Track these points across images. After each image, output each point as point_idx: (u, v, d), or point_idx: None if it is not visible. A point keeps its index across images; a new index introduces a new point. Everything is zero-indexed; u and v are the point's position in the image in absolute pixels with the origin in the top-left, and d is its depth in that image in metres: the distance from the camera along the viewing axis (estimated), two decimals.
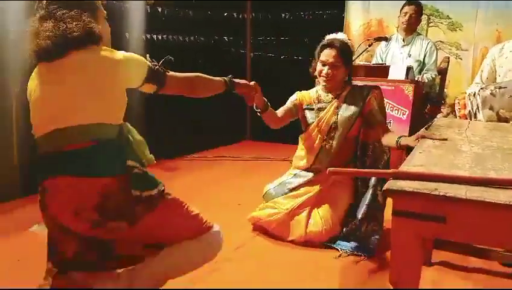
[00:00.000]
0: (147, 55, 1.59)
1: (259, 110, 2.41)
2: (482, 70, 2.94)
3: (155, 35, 4.33)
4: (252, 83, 2.15)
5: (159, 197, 1.45)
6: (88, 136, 1.37)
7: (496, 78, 2.82)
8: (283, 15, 5.53)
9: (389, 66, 3.49)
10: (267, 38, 5.61)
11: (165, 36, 4.44)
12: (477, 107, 2.37)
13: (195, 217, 1.56)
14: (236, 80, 1.93)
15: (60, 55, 1.40)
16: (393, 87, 3.27)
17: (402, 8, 3.78)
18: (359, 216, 2.36)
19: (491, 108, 2.34)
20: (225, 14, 5.33)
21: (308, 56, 3.90)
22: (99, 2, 1.54)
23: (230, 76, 1.90)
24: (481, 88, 2.49)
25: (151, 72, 1.53)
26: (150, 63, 1.54)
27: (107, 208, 1.35)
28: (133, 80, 1.51)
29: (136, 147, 1.48)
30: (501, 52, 2.88)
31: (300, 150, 2.66)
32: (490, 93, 2.36)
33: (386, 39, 3.88)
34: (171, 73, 1.62)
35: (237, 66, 5.42)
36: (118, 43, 3.58)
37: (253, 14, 5.59)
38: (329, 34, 2.67)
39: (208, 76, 1.79)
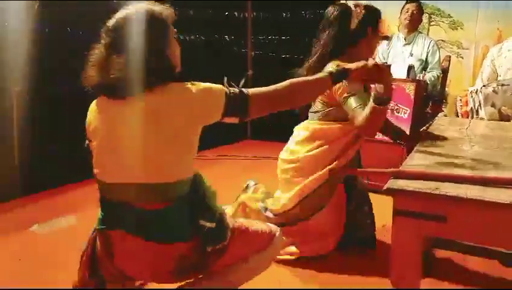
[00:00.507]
0: (225, 78, 1.33)
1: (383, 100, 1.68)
2: (482, 72, 2.95)
3: None
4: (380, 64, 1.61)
5: (229, 241, 1.36)
6: (163, 197, 1.25)
7: (496, 78, 2.82)
8: (284, 14, 5.52)
9: (390, 65, 3.47)
10: (268, 38, 5.60)
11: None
12: (479, 104, 2.37)
13: (262, 234, 1.47)
14: (349, 65, 1.49)
15: (132, 94, 1.22)
16: (394, 86, 3.25)
17: (403, 6, 3.78)
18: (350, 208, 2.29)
19: (493, 105, 2.33)
20: (226, 13, 5.33)
21: (309, 55, 3.86)
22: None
23: (338, 68, 1.50)
24: (483, 85, 2.48)
25: (229, 103, 1.28)
26: (227, 91, 1.29)
27: (183, 269, 1.31)
28: (210, 116, 1.30)
29: (208, 200, 1.35)
30: (500, 52, 2.88)
31: None
32: (492, 91, 2.36)
33: (387, 38, 3.86)
34: (256, 92, 1.34)
35: (238, 65, 5.42)
36: None
37: (254, 14, 5.59)
38: None
39: (303, 78, 1.52)
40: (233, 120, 1.33)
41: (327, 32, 2.13)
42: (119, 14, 1.27)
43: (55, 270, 2.12)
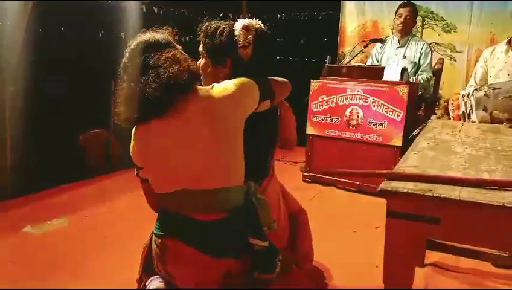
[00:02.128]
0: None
1: None
2: (475, 73, 2.98)
3: None
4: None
5: (277, 277, 1.35)
6: (219, 205, 1.27)
7: (487, 80, 2.86)
8: (279, 16, 5.54)
9: (383, 68, 3.50)
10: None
11: None
12: (471, 108, 2.38)
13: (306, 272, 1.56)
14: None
15: (170, 105, 1.24)
16: (387, 89, 3.28)
17: (397, 9, 3.80)
18: None
19: (484, 109, 2.35)
20: (221, 14, 5.33)
21: (304, 57, 3.93)
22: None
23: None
24: (475, 89, 2.50)
25: (261, 88, 1.34)
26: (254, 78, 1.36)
27: (226, 288, 1.31)
28: (255, 105, 1.34)
29: (260, 213, 1.35)
30: (492, 53, 2.91)
31: None
32: (484, 94, 2.37)
33: (382, 41, 3.89)
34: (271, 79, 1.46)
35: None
36: (114, 43, 3.59)
37: (249, 15, 5.59)
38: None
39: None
40: (267, 104, 1.39)
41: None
42: (129, 47, 1.33)
43: (47, 272, 2.11)
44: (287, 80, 1.56)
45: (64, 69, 3.38)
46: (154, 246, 1.35)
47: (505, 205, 1.03)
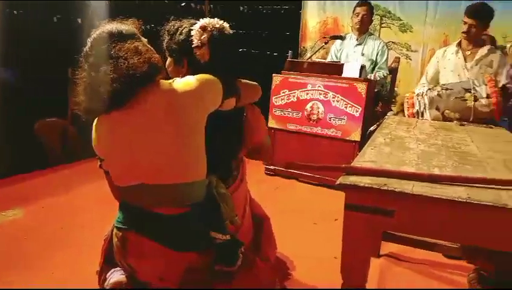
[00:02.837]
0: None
1: None
2: (427, 72, 3.12)
3: None
4: None
5: (238, 269, 1.34)
6: (180, 200, 1.26)
7: (438, 79, 3.00)
8: (241, 8, 5.52)
9: (343, 64, 3.58)
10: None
11: None
12: (425, 107, 2.50)
13: (269, 266, 1.53)
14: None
15: (130, 97, 1.22)
16: (347, 85, 3.36)
17: (354, 8, 3.89)
18: None
19: (437, 108, 2.47)
20: (182, 4, 5.25)
21: (265, 50, 3.91)
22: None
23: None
24: (429, 89, 2.62)
25: (225, 85, 1.33)
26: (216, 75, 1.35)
27: (189, 282, 1.29)
28: (218, 101, 1.32)
29: (223, 207, 1.36)
30: (444, 54, 3.06)
31: None
32: (437, 94, 2.49)
33: (341, 38, 3.98)
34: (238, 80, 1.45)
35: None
36: (71, 29, 3.46)
37: (211, 6, 5.54)
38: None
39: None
40: (231, 103, 1.38)
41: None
42: (92, 36, 1.29)
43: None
44: (256, 84, 1.56)
45: (18, 56, 3.23)
46: (115, 239, 1.33)
47: (454, 199, 1.10)
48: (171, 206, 1.27)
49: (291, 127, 3.58)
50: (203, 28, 1.39)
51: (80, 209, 2.74)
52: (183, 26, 1.43)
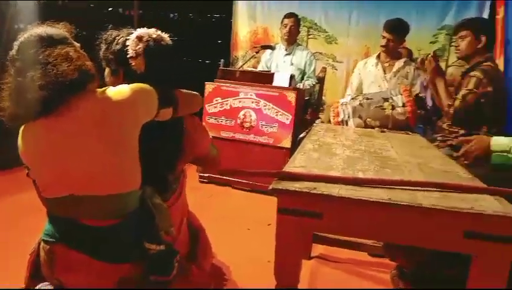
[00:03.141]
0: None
1: None
2: (351, 83, 3.34)
3: None
4: None
5: (174, 279, 1.32)
6: (112, 212, 1.22)
7: (362, 89, 3.21)
8: (172, 15, 5.48)
9: (273, 73, 3.70)
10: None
11: None
12: (348, 116, 2.66)
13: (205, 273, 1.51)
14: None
15: (59, 104, 1.17)
16: (277, 94, 3.47)
17: (282, 20, 4.04)
18: None
19: (359, 117, 2.64)
20: (110, 8, 5.10)
21: (197, 58, 3.90)
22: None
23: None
24: (352, 98, 2.79)
25: (161, 94, 1.30)
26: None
27: None
28: (152, 111, 1.29)
29: (157, 219, 1.31)
30: (365, 66, 3.29)
31: None
32: (359, 104, 2.66)
33: (271, 48, 4.10)
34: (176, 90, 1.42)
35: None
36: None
37: (141, 12, 5.44)
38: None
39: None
40: (168, 113, 1.34)
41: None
42: (19, 40, 1.23)
43: None
44: (197, 94, 1.54)
45: None
46: (42, 252, 1.27)
47: (376, 200, 1.19)
48: (102, 217, 1.23)
49: (225, 134, 3.62)
50: (139, 38, 1.35)
51: (4, 221, 2.56)
52: (120, 35, 1.39)
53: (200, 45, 5.23)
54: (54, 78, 1.16)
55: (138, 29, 1.38)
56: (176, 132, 1.46)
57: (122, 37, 1.39)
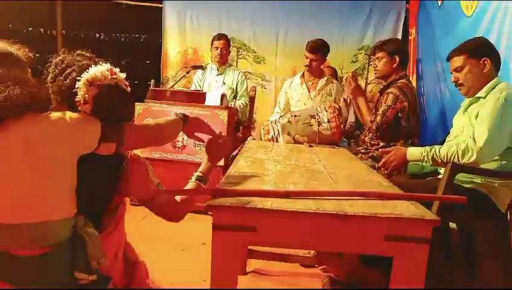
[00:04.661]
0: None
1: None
2: (279, 102, 3.48)
3: None
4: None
5: None
6: (40, 241, 1.14)
7: (290, 107, 3.36)
8: (97, 35, 5.35)
9: (205, 93, 3.73)
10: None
11: None
12: (278, 133, 2.77)
13: None
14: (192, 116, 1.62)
15: None
16: (210, 113, 3.51)
17: (212, 41, 4.10)
18: None
19: (288, 133, 2.75)
20: (30, 28, 4.87)
21: (126, 78, 3.78)
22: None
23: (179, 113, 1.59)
24: (280, 116, 2.91)
25: (105, 128, 1.24)
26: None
27: None
28: (89, 144, 1.23)
29: (89, 248, 1.24)
30: (291, 85, 3.45)
31: None
32: (288, 121, 2.78)
33: (202, 67, 4.15)
34: (129, 123, 1.34)
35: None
36: None
37: (64, 32, 5.25)
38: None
39: (161, 119, 1.53)
40: (110, 148, 1.27)
41: None
42: None
43: None
44: (159, 128, 1.48)
45: None
46: None
47: (306, 211, 1.26)
48: (29, 247, 1.17)
49: (156, 155, 3.57)
50: (91, 83, 1.23)
51: None
52: (71, 69, 1.27)
53: (128, 65, 5.14)
54: (2, 100, 1.13)
55: (92, 68, 1.25)
56: (113, 169, 1.37)
57: (74, 71, 1.27)
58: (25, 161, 1.15)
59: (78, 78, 1.23)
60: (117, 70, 1.31)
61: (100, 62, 1.31)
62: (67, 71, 1.27)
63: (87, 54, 1.35)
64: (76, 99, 1.23)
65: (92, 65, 1.27)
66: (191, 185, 1.65)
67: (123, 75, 1.32)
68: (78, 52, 1.35)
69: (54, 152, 1.18)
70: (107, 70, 1.26)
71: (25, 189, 1.15)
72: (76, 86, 1.23)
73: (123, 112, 1.34)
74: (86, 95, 1.22)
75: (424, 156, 2.07)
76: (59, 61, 1.31)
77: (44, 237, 1.18)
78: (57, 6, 5.08)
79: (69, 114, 1.23)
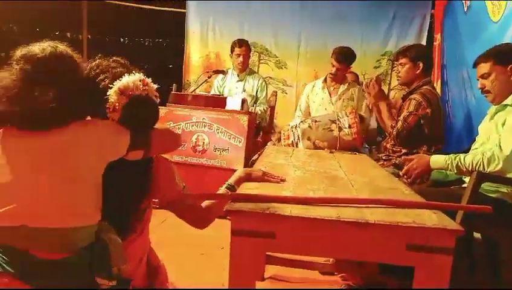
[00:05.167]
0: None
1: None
2: (300, 105, 3.46)
3: None
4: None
5: None
6: (64, 245, 1.16)
7: (310, 112, 3.34)
8: (122, 39, 5.45)
9: (226, 98, 3.75)
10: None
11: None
12: (298, 138, 2.75)
13: None
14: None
15: (44, 129, 1.15)
16: (230, 117, 3.52)
17: (233, 47, 4.09)
18: None
19: (309, 139, 2.73)
20: (57, 33, 4.99)
21: None
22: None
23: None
24: (301, 121, 2.89)
25: (134, 135, 1.25)
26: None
27: None
28: (117, 151, 1.25)
29: (111, 255, 1.25)
30: (313, 89, 3.43)
31: None
32: (308, 126, 2.76)
33: (223, 72, 4.17)
34: (155, 130, 1.35)
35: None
36: None
37: (90, 36, 5.37)
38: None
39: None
40: (138, 154, 1.29)
41: None
42: (38, 47, 1.20)
43: None
44: (176, 133, 1.51)
45: None
46: None
47: (326, 218, 1.24)
48: (54, 250, 1.18)
49: (178, 158, 3.59)
50: (122, 92, 1.24)
51: None
52: (105, 76, 1.28)
53: (151, 70, 5.21)
54: (62, 103, 1.15)
55: (125, 77, 1.26)
56: (142, 172, 1.37)
57: (107, 78, 1.27)
58: (56, 166, 1.16)
59: (111, 85, 1.25)
60: (149, 80, 1.32)
61: (134, 71, 1.31)
62: (101, 77, 1.28)
63: (122, 61, 1.35)
64: (106, 106, 1.24)
65: (126, 74, 1.28)
66: (220, 192, 1.64)
67: (154, 86, 1.33)
68: (114, 58, 1.36)
69: (83, 159, 1.19)
70: (139, 81, 1.27)
71: (53, 194, 1.16)
72: (107, 93, 1.24)
73: (150, 122, 1.35)
74: (116, 104, 1.23)
75: (448, 164, 2.02)
76: (94, 66, 1.32)
77: (67, 243, 1.19)
78: (83, 11, 5.19)
79: (100, 121, 1.25)
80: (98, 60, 1.34)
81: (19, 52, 1.20)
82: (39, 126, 1.17)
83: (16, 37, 4.27)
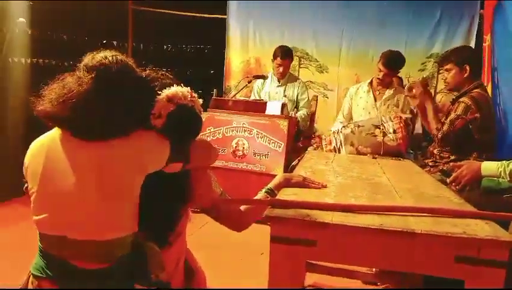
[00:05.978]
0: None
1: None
2: (343, 109, 3.39)
3: (35, 59, 4.02)
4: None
5: None
6: (100, 256, 1.19)
7: (353, 114, 3.26)
8: (165, 46, 5.58)
9: (266, 102, 3.75)
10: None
11: (46, 61, 4.14)
12: (341, 143, 2.69)
13: None
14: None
15: (100, 139, 1.17)
16: (270, 122, 3.51)
17: (275, 55, 4.02)
18: None
19: (351, 144, 2.67)
20: (104, 41, 5.18)
21: (190, 88, 3.88)
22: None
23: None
24: (343, 126, 2.83)
25: (173, 148, 1.26)
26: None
27: None
28: (156, 163, 1.25)
29: (149, 262, 1.27)
30: (357, 92, 3.35)
31: None
32: (351, 131, 2.70)
33: (264, 77, 4.17)
34: (195, 142, 1.35)
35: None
36: None
37: (134, 44, 5.53)
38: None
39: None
40: (177, 166, 1.30)
41: None
42: (110, 58, 1.22)
43: None
44: (214, 147, 1.50)
45: None
46: (30, 286, 1.24)
47: (369, 226, 1.20)
48: (92, 261, 1.20)
49: (218, 163, 3.62)
50: (169, 99, 1.25)
51: None
52: (160, 82, 1.31)
53: (193, 76, 5.31)
54: (121, 116, 1.17)
55: (175, 86, 1.28)
56: (179, 184, 1.37)
57: (156, 86, 1.30)
58: (100, 179, 1.17)
59: (159, 92, 1.26)
60: (196, 95, 1.33)
61: (181, 85, 1.33)
62: (154, 84, 1.31)
63: (170, 76, 1.38)
64: (152, 111, 1.24)
65: (174, 85, 1.30)
66: (259, 196, 1.63)
67: (200, 101, 1.35)
68: (163, 72, 1.39)
69: (127, 173, 1.19)
70: (188, 92, 1.29)
71: (95, 208, 1.17)
72: (155, 99, 1.25)
73: (193, 132, 1.36)
74: (162, 110, 1.24)
75: (500, 171, 1.91)
76: (156, 73, 1.36)
77: (105, 253, 1.20)
78: (129, 19, 5.37)
79: (144, 133, 1.24)
80: (148, 71, 1.36)
81: (90, 61, 1.21)
82: (99, 136, 1.18)
83: (66, 45, 4.46)
